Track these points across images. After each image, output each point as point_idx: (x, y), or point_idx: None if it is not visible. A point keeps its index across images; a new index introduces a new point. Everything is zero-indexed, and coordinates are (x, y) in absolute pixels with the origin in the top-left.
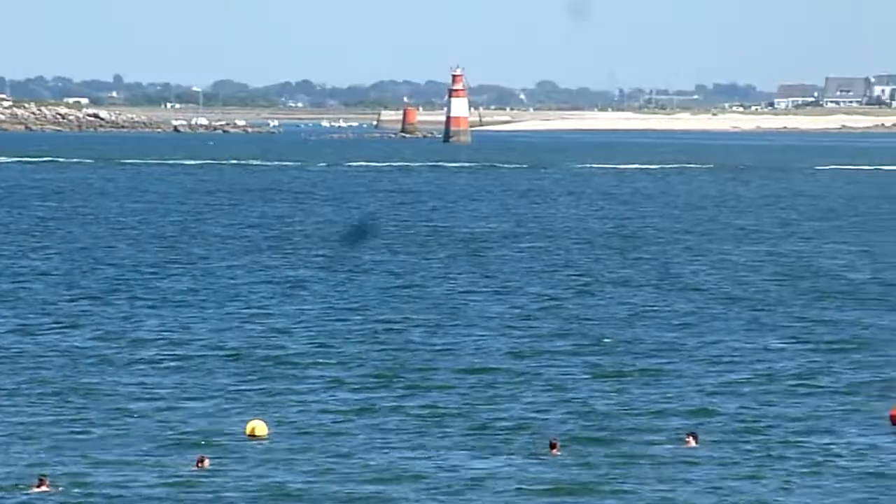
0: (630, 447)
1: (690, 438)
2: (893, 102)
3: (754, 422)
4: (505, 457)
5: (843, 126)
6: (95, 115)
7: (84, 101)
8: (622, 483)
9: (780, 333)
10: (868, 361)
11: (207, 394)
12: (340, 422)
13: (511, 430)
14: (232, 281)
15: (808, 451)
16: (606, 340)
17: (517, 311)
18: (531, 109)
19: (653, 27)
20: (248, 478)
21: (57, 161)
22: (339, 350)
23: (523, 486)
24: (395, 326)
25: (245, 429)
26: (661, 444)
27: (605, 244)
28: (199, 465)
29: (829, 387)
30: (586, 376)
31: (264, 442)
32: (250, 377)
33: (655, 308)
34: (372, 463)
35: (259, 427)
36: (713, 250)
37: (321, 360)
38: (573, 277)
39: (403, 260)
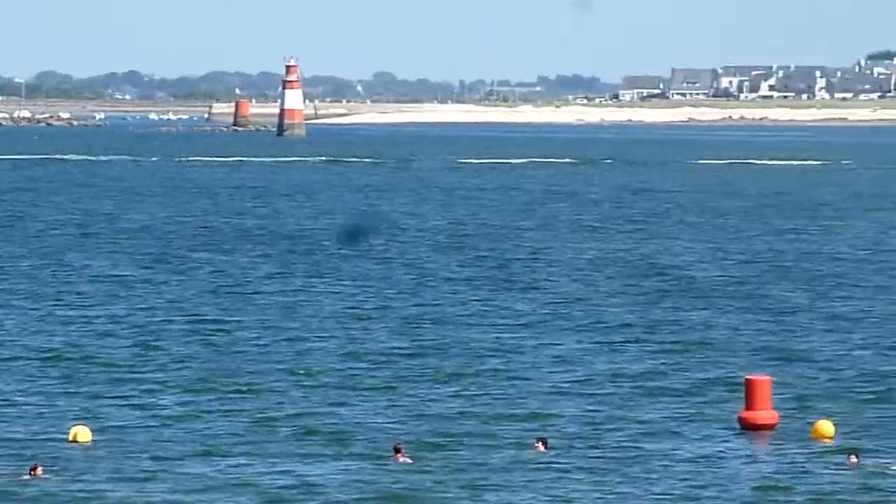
0: (476, 452)
1: (539, 444)
2: (741, 95)
3: (601, 424)
4: (344, 462)
5: (691, 119)
6: None
7: None
8: (469, 490)
9: (624, 333)
10: (715, 362)
11: (27, 399)
12: (167, 426)
13: (349, 435)
14: (53, 281)
15: (655, 455)
16: (445, 341)
17: (352, 310)
18: (368, 101)
19: (495, 17)
20: (71, 485)
21: None
22: (165, 352)
23: (365, 494)
24: (225, 327)
25: (68, 434)
26: (508, 450)
27: (444, 241)
28: (33, 473)
29: (677, 388)
30: (426, 379)
31: (88, 448)
32: (72, 380)
33: (497, 307)
34: (200, 470)
35: (82, 432)
36: (556, 248)
37: (146, 363)
38: (411, 275)
39: (234, 259)
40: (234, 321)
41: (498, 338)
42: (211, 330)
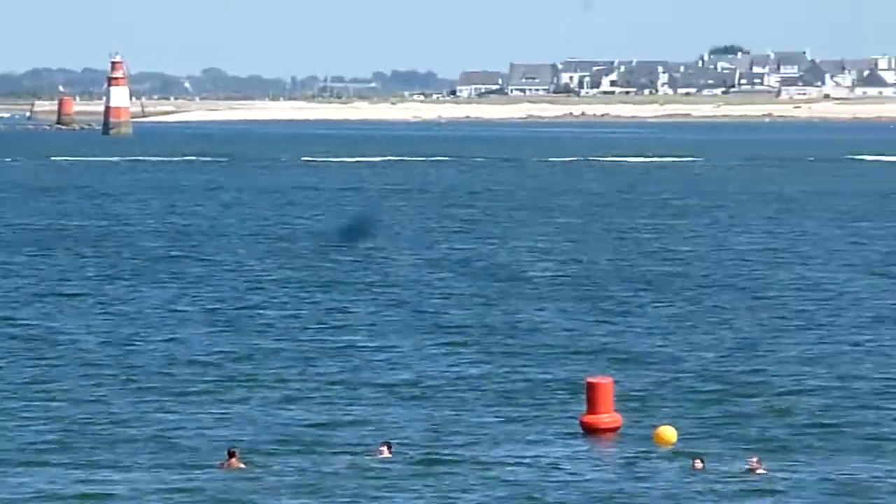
0: (312, 458)
1: (384, 448)
2: (582, 90)
3: (439, 429)
4: (172, 470)
5: (530, 115)
6: None
7: None
8: (304, 497)
9: (463, 336)
10: (556, 364)
11: None
12: None
13: (177, 442)
14: None
15: (496, 460)
16: (276, 345)
17: (178, 313)
18: (197, 99)
19: (329, 11)
20: None
21: None
22: None
23: (195, 501)
24: (45, 331)
25: None
26: (344, 455)
27: (276, 242)
28: None
29: (517, 392)
30: (258, 383)
31: None
32: None
33: (331, 310)
34: (18, 479)
35: None
36: (392, 248)
37: None
38: (243, 277)
39: (56, 261)
40: (55, 325)
41: (333, 341)
42: (30, 334)
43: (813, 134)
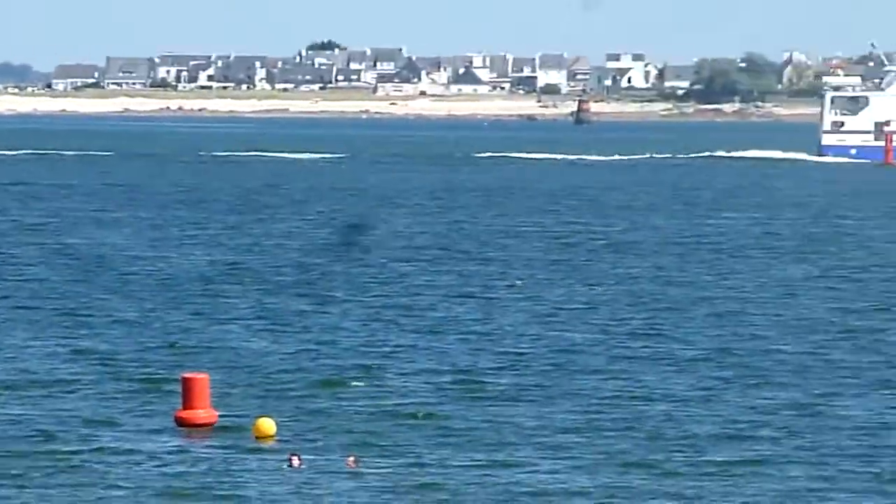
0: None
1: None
2: (179, 85)
3: (30, 423)
4: None
5: (126, 109)
6: None
7: None
8: None
9: (54, 329)
10: (150, 359)
11: None
12: None
13: None
14: None
15: (88, 454)
16: None
17: None
18: None
19: None
20: None
21: None
22: None
23: None
24: None
25: None
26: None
27: None
28: None
29: (111, 386)
30: None
31: None
32: None
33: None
34: None
35: None
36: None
37: None
38: None
39: None
40: None
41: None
42: None
43: (430, 131)
